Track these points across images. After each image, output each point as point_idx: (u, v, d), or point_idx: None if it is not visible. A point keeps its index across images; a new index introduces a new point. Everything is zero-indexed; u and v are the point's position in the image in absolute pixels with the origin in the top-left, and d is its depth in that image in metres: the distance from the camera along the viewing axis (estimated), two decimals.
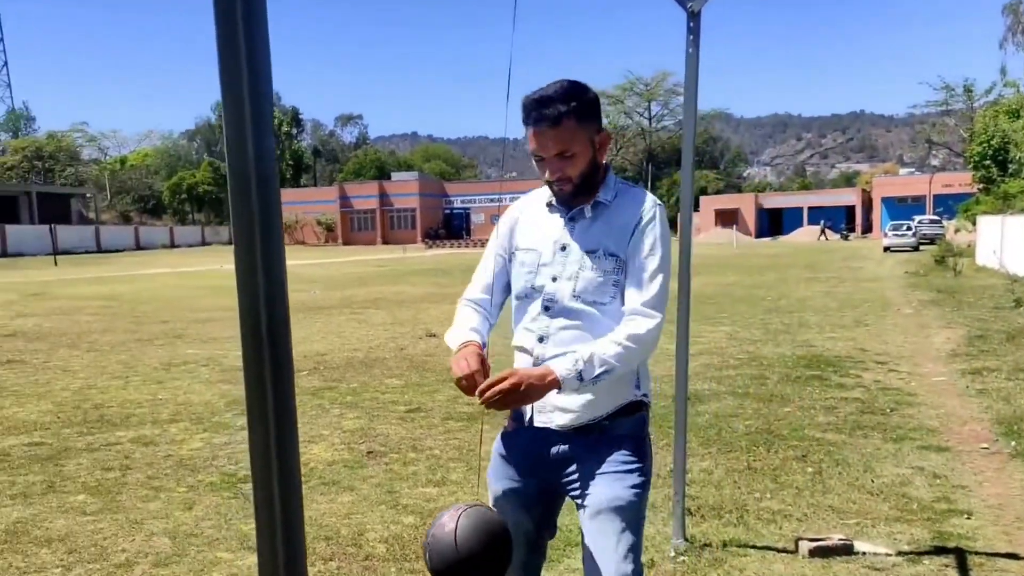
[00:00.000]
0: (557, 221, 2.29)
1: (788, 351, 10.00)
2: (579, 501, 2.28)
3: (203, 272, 31.86)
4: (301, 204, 76.46)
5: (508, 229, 2.39)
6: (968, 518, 4.47)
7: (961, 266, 23.45)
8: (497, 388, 2.04)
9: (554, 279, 2.24)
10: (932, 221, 48.64)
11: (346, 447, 6.02)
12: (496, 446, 2.43)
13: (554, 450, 2.28)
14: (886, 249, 40.06)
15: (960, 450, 5.76)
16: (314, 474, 5.38)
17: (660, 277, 2.19)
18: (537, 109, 2.14)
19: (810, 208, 74.50)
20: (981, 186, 36.05)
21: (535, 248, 2.29)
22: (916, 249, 39.59)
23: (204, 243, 72.88)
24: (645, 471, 2.28)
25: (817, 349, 10.17)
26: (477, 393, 2.06)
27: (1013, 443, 5.88)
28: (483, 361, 2.15)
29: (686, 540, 4.13)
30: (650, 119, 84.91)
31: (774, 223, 74.40)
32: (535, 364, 2.21)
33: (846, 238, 64.02)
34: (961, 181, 56.08)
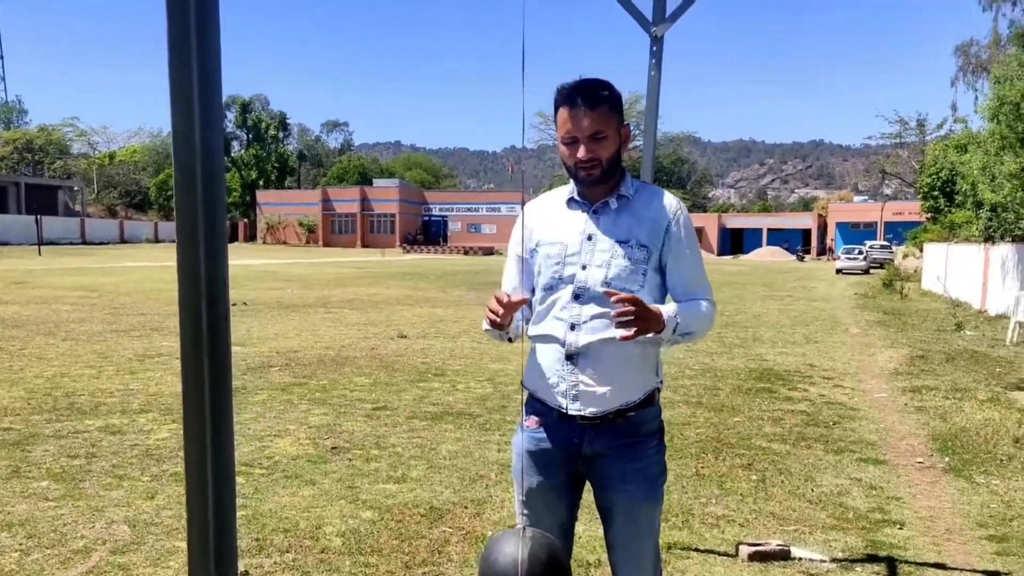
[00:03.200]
0: (580, 215, 2.29)
1: (741, 364, 10.04)
2: (611, 496, 2.29)
3: None
4: (285, 205, 75.89)
5: (526, 231, 2.37)
6: (900, 528, 4.49)
7: (907, 290, 23.79)
8: (631, 307, 2.02)
9: (584, 267, 2.23)
10: (882, 246, 49.35)
11: (311, 442, 5.95)
12: (521, 444, 2.35)
13: (586, 445, 2.27)
14: (838, 271, 40.57)
15: (897, 463, 5.80)
16: (277, 467, 5.30)
17: (705, 271, 2.33)
18: (577, 91, 2.17)
19: (769, 230, 75.30)
20: (929, 215, 36.50)
21: (560, 241, 2.27)
22: (867, 272, 40.11)
23: None
24: (665, 466, 2.35)
25: (769, 363, 10.23)
26: (623, 301, 2.02)
27: (947, 459, 5.93)
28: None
29: None
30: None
31: (735, 243, 75.06)
32: (567, 354, 2.21)
33: (801, 259, 64.69)
34: (911, 210, 56.85)
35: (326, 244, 73.39)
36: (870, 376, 9.56)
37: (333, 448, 5.79)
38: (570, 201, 2.32)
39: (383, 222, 74.50)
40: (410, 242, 71.49)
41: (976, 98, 37.18)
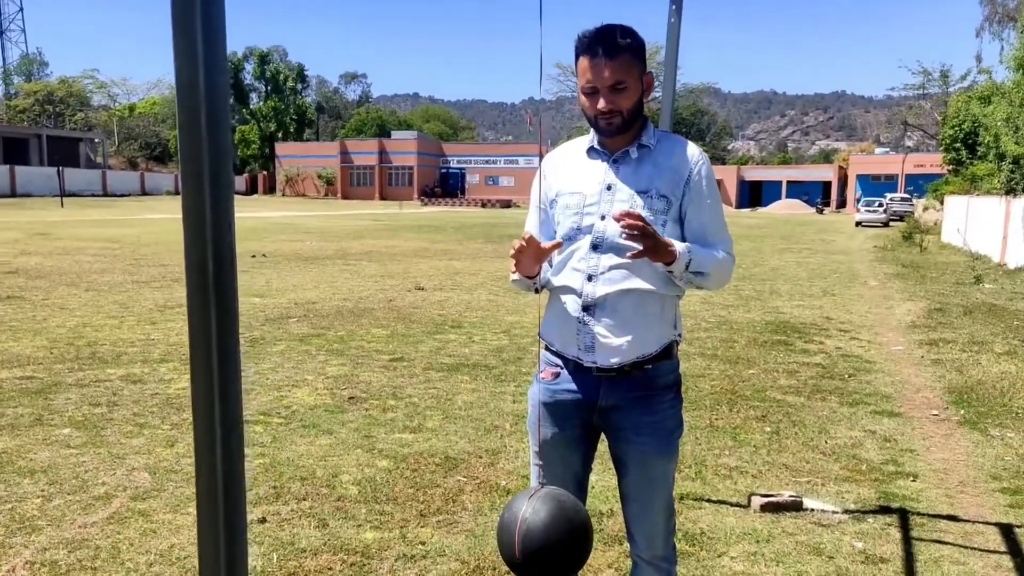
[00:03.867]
0: (600, 165, 2.24)
1: (758, 317, 9.98)
2: (624, 448, 2.27)
3: None
4: (303, 158, 75.79)
5: (546, 182, 2.33)
6: (914, 480, 4.47)
7: (927, 243, 23.50)
8: (641, 225, 2.00)
9: (602, 218, 2.18)
10: (903, 199, 48.60)
11: (328, 392, 5.98)
12: (536, 395, 2.32)
13: (601, 397, 2.24)
14: (858, 224, 40.08)
15: (911, 416, 5.76)
16: (295, 417, 5.33)
17: (726, 223, 2.28)
18: (597, 40, 2.10)
19: (789, 182, 74.33)
20: (951, 168, 35.90)
21: (579, 191, 2.23)
22: (886, 225, 39.64)
23: None
24: (682, 420, 2.33)
25: (785, 316, 10.16)
26: (627, 215, 2.00)
27: (962, 411, 5.89)
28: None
29: None
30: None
31: (754, 195, 74.20)
32: (584, 305, 2.18)
33: (821, 211, 63.99)
34: (932, 162, 55.95)
35: (344, 196, 73.31)
36: (887, 329, 9.48)
37: (350, 398, 5.82)
38: (590, 150, 2.27)
39: (401, 174, 74.25)
40: (428, 194, 71.28)
41: (1002, 48, 36.33)
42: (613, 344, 2.18)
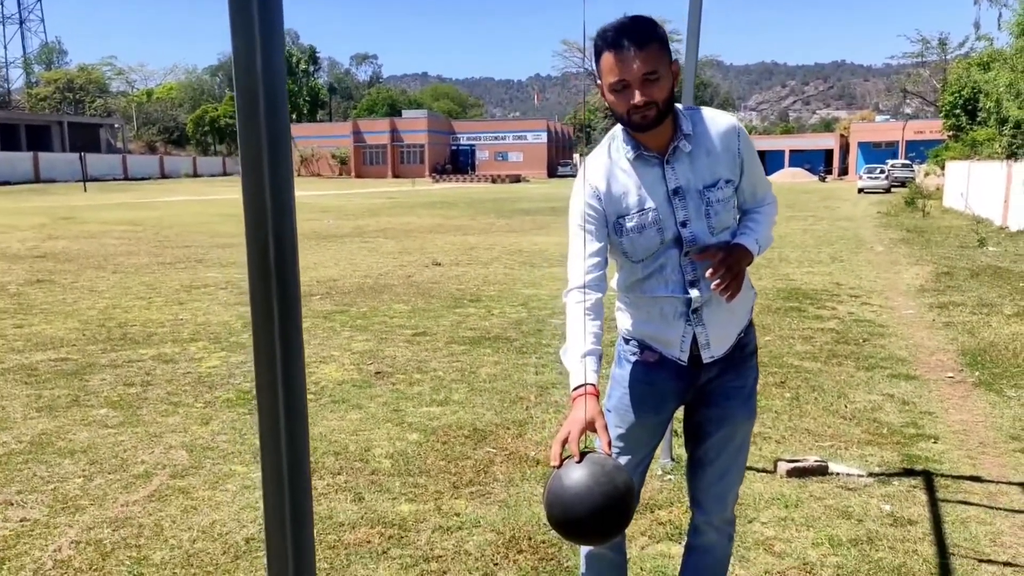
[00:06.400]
0: (654, 171, 2.04)
1: (769, 284, 9.87)
2: (712, 413, 2.20)
3: (224, 200, 31.54)
4: (317, 138, 75.54)
5: (600, 203, 2.08)
6: (935, 442, 4.40)
7: (929, 208, 23.25)
8: (724, 272, 1.97)
9: (684, 224, 2.04)
10: (904, 165, 48.08)
11: (355, 367, 5.93)
12: (634, 376, 2.20)
13: (703, 375, 2.17)
14: (860, 191, 39.72)
15: (928, 379, 5.68)
16: (324, 392, 5.30)
17: (763, 170, 2.22)
18: (622, 33, 1.91)
19: (792, 151, 73.72)
20: (951, 133, 35.41)
21: (645, 207, 2.04)
22: (888, 191, 39.25)
23: (225, 173, 71.99)
24: (758, 379, 2.30)
25: (796, 282, 10.05)
26: (712, 273, 1.99)
27: (977, 373, 5.80)
28: (591, 426, 1.90)
29: (672, 460, 4.06)
30: None
31: None
32: (693, 308, 2.08)
33: (823, 179, 63.45)
34: (932, 128, 55.29)
35: (358, 175, 73.14)
36: (896, 293, 9.36)
37: (377, 373, 5.78)
38: (637, 158, 2.05)
39: (413, 152, 73.96)
40: (439, 171, 71.01)
41: (1000, 15, 35.66)
42: (728, 335, 2.14)
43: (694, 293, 2.07)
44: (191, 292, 9.38)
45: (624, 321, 2.24)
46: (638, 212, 2.05)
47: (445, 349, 6.52)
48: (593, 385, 1.94)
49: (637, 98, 1.91)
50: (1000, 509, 3.55)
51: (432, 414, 4.84)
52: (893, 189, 39.96)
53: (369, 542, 3.20)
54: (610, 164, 2.09)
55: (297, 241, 1.11)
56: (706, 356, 2.12)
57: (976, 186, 21.82)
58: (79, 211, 25.19)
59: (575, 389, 1.95)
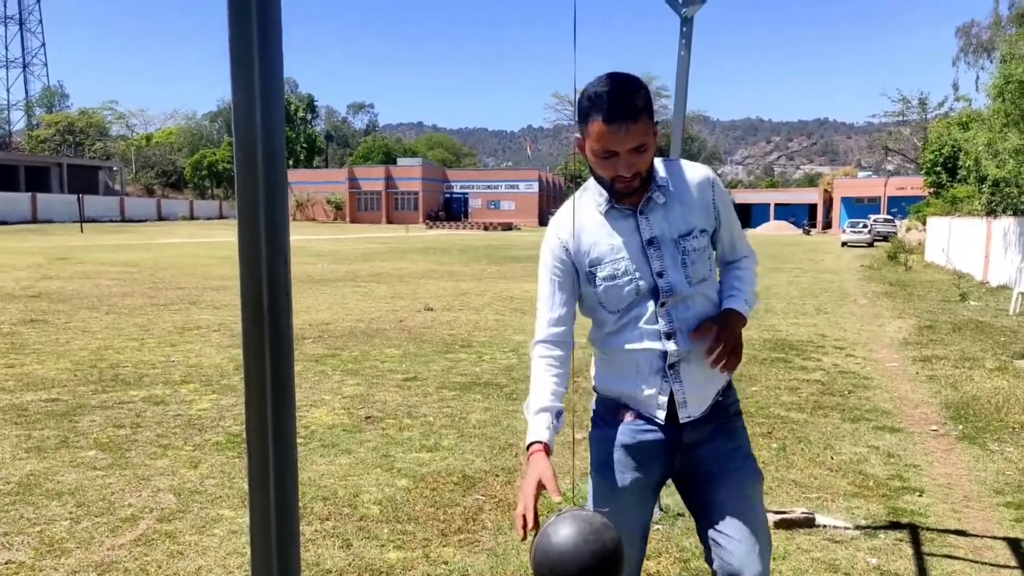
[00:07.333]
0: (628, 223, 2.01)
1: (755, 334, 9.89)
2: (716, 482, 2.05)
3: (219, 243, 31.54)
4: (313, 184, 75.86)
5: (568, 254, 2.06)
6: (920, 495, 4.38)
7: (911, 262, 23.46)
8: (722, 350, 1.95)
9: (660, 274, 1.99)
10: (886, 220, 48.67)
11: (346, 412, 5.89)
12: (615, 438, 2.09)
13: (685, 434, 2.05)
14: (844, 244, 40.17)
15: (912, 431, 5.67)
16: (314, 436, 5.24)
17: (739, 223, 2.21)
18: (615, 104, 1.86)
19: (776, 204, 74.60)
20: (932, 190, 35.92)
21: (618, 257, 2.00)
22: (871, 245, 39.66)
23: (221, 216, 72.06)
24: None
25: (782, 333, 10.08)
26: (709, 350, 1.96)
27: (960, 426, 5.80)
28: (541, 485, 1.88)
29: (660, 509, 4.02)
30: None
31: (744, 217, 74.32)
32: (669, 363, 1.99)
33: (808, 233, 64.06)
34: (913, 185, 56.04)
35: (353, 221, 73.36)
36: (880, 346, 9.40)
37: (367, 417, 5.73)
38: (610, 210, 2.02)
39: (407, 199, 74.33)
40: (433, 218, 71.33)
41: (977, 77, 36.47)
42: (705, 395, 2.04)
43: (670, 346, 1.99)
44: (184, 334, 9.32)
45: (600, 380, 2.17)
46: (610, 262, 2.01)
47: (435, 394, 6.48)
48: (543, 443, 1.93)
49: (624, 170, 1.90)
50: (985, 563, 3.53)
51: (421, 460, 4.80)
52: (876, 243, 40.40)
53: None
54: (583, 217, 2.06)
55: (291, 286, 1.12)
56: (683, 415, 2.02)
57: (957, 242, 22.08)
58: (75, 251, 25.12)
59: (528, 447, 1.94)
